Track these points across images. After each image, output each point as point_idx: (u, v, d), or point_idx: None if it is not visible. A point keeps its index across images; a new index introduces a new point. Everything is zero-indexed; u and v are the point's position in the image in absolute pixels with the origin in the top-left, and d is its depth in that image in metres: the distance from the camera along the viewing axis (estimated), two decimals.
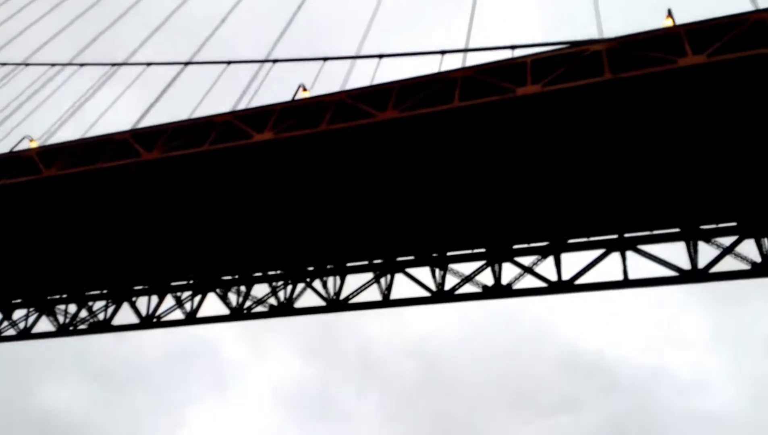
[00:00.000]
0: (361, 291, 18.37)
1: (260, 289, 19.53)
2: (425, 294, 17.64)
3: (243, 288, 19.54)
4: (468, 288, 17.22)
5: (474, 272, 17.23)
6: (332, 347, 52.04)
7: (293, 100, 15.19)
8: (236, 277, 19.57)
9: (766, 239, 15.20)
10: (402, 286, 17.91)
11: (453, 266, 17.48)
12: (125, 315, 20.50)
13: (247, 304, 19.30)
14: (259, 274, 19.40)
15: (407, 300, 17.87)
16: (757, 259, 15.08)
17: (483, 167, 14.68)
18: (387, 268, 18.21)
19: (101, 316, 20.38)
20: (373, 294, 18.39)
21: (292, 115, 14.70)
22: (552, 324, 51.28)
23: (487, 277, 17.12)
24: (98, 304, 20.78)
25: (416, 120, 13.52)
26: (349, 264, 18.74)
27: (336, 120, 14.16)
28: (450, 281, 17.46)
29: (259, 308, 19.19)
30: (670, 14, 13.82)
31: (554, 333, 51.21)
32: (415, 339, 50.48)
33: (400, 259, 18.23)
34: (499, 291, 16.85)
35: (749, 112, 12.61)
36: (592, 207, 15.58)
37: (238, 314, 19.26)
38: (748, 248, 15.32)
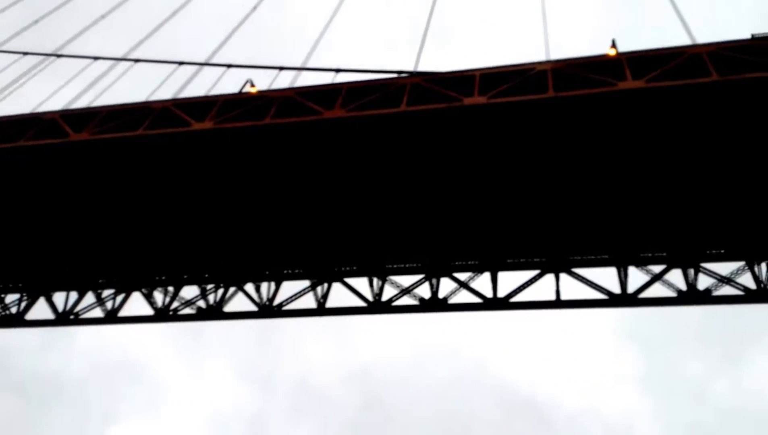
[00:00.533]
0: (296, 298, 17.91)
1: (189, 291, 18.78)
2: (362, 304, 17.34)
3: (171, 289, 18.73)
4: (406, 300, 17.06)
5: (412, 285, 17.10)
6: (271, 370, 50.57)
7: (238, 93, 14.85)
8: (164, 277, 18.75)
9: (692, 270, 15.70)
10: (339, 297, 17.58)
11: (392, 278, 17.32)
12: (41, 310, 19.28)
13: (174, 305, 18.46)
14: (189, 275, 18.66)
15: (343, 309, 17.51)
16: (683, 287, 15.55)
17: (425, 178, 14.67)
18: (324, 277, 17.85)
19: (13, 310, 19.05)
20: (308, 302, 17.98)
21: (236, 107, 14.34)
22: (491, 358, 51.56)
23: (425, 291, 17.03)
24: (11, 298, 19.45)
25: (364, 120, 13.41)
26: (285, 271, 18.29)
27: (282, 115, 13.90)
28: (388, 293, 17.30)
29: (187, 310, 18.39)
30: (614, 44, 14.36)
31: (493, 367, 51.54)
32: (358, 366, 49.71)
33: (338, 268, 17.93)
34: (435, 304, 16.74)
35: (684, 140, 13.09)
36: (529, 228, 15.76)
37: (163, 315, 18.38)
38: (676, 277, 15.80)
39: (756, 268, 15.31)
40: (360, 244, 17.07)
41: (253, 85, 15.51)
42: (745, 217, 14.68)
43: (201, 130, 13.75)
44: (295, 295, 17.82)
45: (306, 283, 17.99)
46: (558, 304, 16.14)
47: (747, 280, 15.34)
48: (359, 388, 48.68)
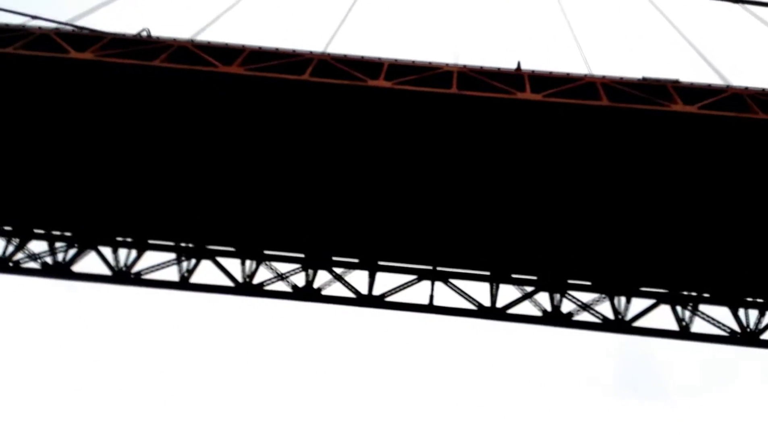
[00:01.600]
0: (159, 269, 16.58)
1: (38, 246, 16.86)
2: (230, 284, 16.37)
3: (16, 240, 16.72)
4: (280, 286, 16.33)
5: (288, 272, 16.41)
6: None
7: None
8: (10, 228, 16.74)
9: (557, 294, 16.25)
10: (208, 274, 16.40)
11: (269, 264, 16.55)
12: None
13: (18, 256, 16.48)
14: (40, 231, 16.80)
15: (209, 286, 16.42)
16: (549, 308, 16.04)
17: (322, 161, 14.23)
18: (194, 252, 16.71)
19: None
20: (172, 275, 16.73)
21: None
22: None
23: (300, 280, 16.44)
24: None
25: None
26: (150, 241, 16.95)
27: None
28: (262, 277, 16.50)
29: (32, 264, 16.47)
30: (519, 66, 14.84)
31: None
32: None
33: (211, 247, 16.89)
34: (308, 294, 16.14)
35: (569, 165, 13.61)
36: (415, 234, 15.71)
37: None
38: (544, 298, 16.29)
39: (615, 301, 16.10)
40: (238, 225, 16.19)
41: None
42: (610, 252, 15.46)
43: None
44: (158, 265, 16.52)
45: (172, 255, 16.76)
46: (430, 308, 16.10)
47: (606, 309, 16.10)
48: None
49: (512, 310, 16.16)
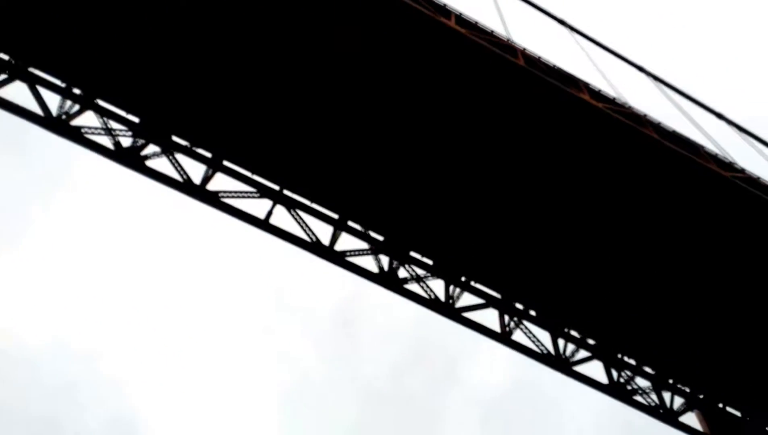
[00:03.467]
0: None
1: None
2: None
3: None
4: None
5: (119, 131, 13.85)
6: None
7: None
8: None
9: (397, 262, 15.21)
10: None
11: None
12: None
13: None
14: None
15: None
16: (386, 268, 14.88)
17: None
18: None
19: None
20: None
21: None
22: None
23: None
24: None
25: None
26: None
27: None
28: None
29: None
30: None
31: None
32: None
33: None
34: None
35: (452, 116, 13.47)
36: (264, 142, 14.34)
37: None
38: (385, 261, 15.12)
39: (451, 288, 15.35)
40: None
41: None
42: (457, 239, 15.06)
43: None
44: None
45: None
46: (265, 225, 14.26)
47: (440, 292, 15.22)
48: None
49: (350, 259, 14.72)
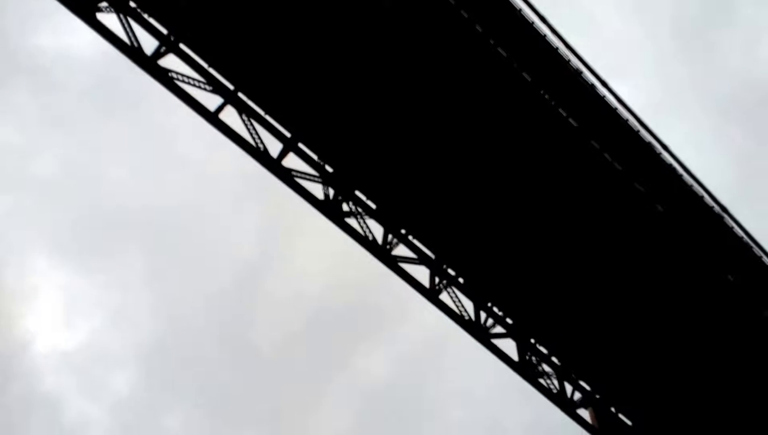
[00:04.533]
0: None
1: None
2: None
3: None
4: None
5: None
6: None
7: None
8: None
9: (341, 197, 14.50)
10: None
11: None
12: None
13: None
14: None
15: None
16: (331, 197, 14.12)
17: None
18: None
19: None
20: None
21: None
22: None
23: None
24: None
25: None
26: None
27: None
28: None
29: None
30: None
31: None
32: None
33: None
34: None
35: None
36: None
37: None
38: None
39: (389, 236, 14.82)
40: None
41: None
42: (400, 188, 14.63)
43: None
44: None
45: None
46: (213, 120, 13.05)
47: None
48: None
49: (298, 180, 13.82)
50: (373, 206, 14.83)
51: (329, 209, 13.95)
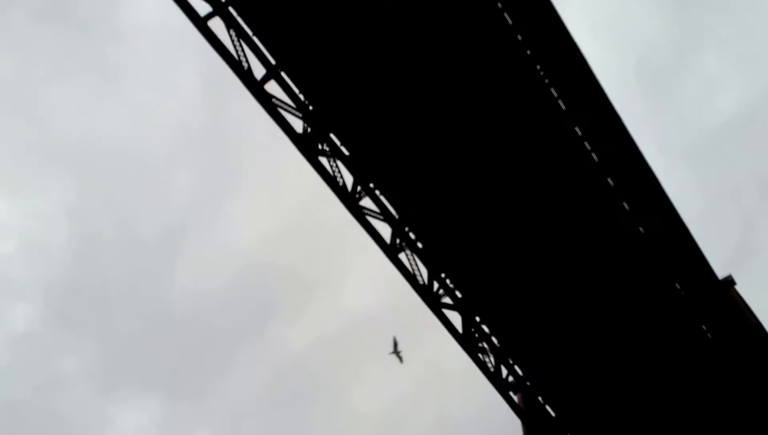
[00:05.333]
0: None
1: None
2: None
3: None
4: None
5: None
6: None
7: None
8: None
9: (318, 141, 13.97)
10: None
11: None
12: None
13: None
14: None
15: None
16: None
17: None
18: None
19: None
20: None
21: None
22: None
23: None
24: None
25: None
26: None
27: None
28: None
29: None
30: None
31: None
32: None
33: None
34: None
35: None
36: None
37: None
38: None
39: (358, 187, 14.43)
40: None
41: None
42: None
43: None
44: None
45: None
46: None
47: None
48: None
49: (277, 106, 13.22)
50: (347, 153, 14.42)
51: (304, 144, 13.43)
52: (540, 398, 17.58)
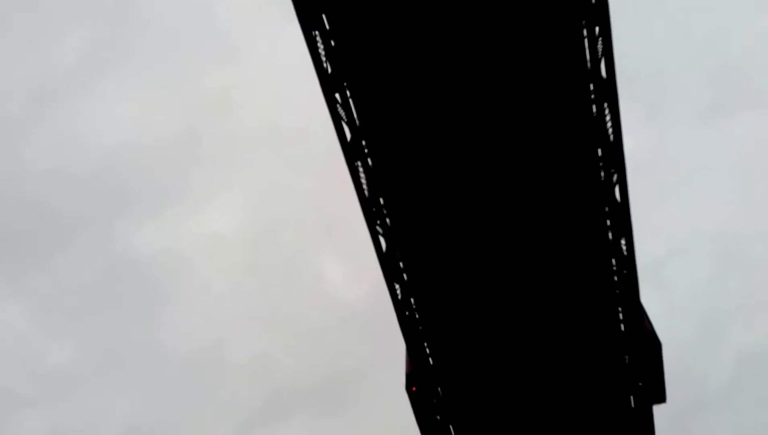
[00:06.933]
0: None
1: None
2: None
3: None
4: None
5: None
6: None
7: None
8: None
9: None
10: None
11: None
12: None
13: None
14: None
15: None
16: None
17: None
18: None
19: None
20: None
21: None
22: None
23: None
24: None
25: None
26: None
27: None
28: None
29: None
30: None
31: None
32: None
33: None
34: None
35: None
36: None
37: None
38: None
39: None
40: None
41: None
42: None
43: None
44: None
45: None
46: None
47: None
48: None
49: None
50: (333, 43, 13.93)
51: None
52: (425, 344, 18.21)
